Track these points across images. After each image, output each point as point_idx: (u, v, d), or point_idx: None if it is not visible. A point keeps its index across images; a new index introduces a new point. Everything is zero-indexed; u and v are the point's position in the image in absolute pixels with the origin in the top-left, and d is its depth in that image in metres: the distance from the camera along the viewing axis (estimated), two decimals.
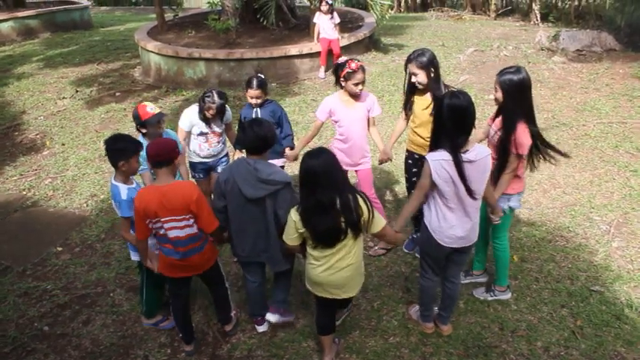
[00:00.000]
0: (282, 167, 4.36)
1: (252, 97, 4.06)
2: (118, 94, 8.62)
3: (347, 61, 3.76)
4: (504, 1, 15.40)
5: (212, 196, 4.51)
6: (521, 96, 3.20)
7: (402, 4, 17.42)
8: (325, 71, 8.51)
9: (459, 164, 2.84)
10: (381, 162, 4.18)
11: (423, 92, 3.75)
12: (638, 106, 6.91)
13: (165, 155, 3.00)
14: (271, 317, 3.47)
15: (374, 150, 4.87)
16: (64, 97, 8.55)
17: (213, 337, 3.65)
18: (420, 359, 3.36)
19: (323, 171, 2.72)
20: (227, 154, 4.42)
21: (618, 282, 3.92)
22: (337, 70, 3.81)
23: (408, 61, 3.65)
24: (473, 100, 2.94)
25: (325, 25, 8.29)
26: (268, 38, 9.44)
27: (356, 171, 4.14)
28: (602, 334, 3.47)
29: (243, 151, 3.33)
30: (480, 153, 2.90)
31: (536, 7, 13.25)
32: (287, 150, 4.17)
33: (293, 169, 5.84)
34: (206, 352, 3.53)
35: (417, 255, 4.11)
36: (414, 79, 3.67)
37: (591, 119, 6.65)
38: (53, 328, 3.83)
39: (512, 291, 3.84)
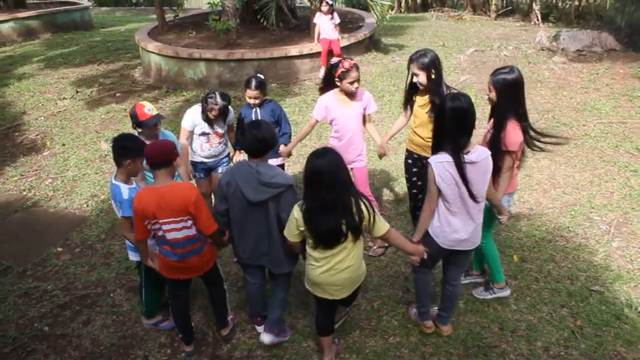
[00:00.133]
0: (282, 166, 4.38)
1: (250, 98, 4.08)
2: (118, 94, 8.63)
3: (340, 60, 3.82)
4: (505, 2, 15.39)
5: (213, 198, 4.57)
6: (515, 95, 3.25)
7: (403, 4, 17.42)
8: None
9: (460, 165, 2.85)
10: (380, 156, 4.22)
11: (424, 92, 3.76)
12: (638, 106, 6.91)
13: (164, 156, 2.99)
14: (265, 338, 3.43)
15: (373, 150, 4.87)
16: (64, 98, 8.56)
17: (213, 338, 3.65)
18: (420, 359, 3.36)
19: (329, 171, 2.71)
20: (228, 155, 4.43)
21: (618, 282, 3.92)
22: (331, 70, 3.88)
23: (410, 61, 3.68)
24: (473, 100, 2.96)
25: (325, 26, 8.29)
26: (268, 39, 9.45)
27: (351, 169, 4.16)
28: (602, 334, 3.47)
29: (242, 151, 3.33)
30: (480, 154, 2.92)
31: (536, 7, 13.25)
32: (282, 147, 4.19)
33: (294, 169, 5.85)
34: (206, 353, 3.53)
35: None
36: (415, 80, 3.69)
37: (591, 119, 6.65)
38: (53, 328, 3.83)
39: (512, 291, 3.85)
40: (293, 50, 8.64)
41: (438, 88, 3.64)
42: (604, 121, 6.59)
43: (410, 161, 4.09)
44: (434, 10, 15.67)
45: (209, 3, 10.87)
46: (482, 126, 3.87)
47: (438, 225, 3.07)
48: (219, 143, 4.24)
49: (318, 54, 8.62)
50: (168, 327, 3.71)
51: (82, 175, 6.08)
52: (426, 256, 3.12)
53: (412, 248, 3.09)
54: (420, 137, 3.86)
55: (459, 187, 2.91)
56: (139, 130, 3.66)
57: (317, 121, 4.14)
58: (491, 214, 3.42)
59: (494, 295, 3.79)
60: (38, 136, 7.23)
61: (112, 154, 3.27)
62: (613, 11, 10.93)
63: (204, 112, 4.01)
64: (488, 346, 3.41)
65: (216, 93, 3.95)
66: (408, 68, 3.72)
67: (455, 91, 3.46)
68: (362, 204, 2.79)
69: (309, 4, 10.11)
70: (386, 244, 4.28)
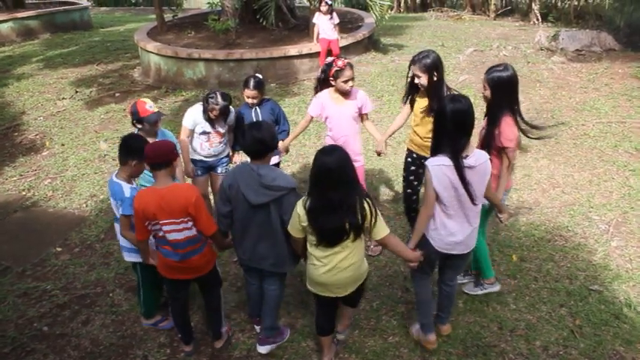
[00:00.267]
0: (278, 164, 4.38)
1: (249, 97, 4.10)
2: (117, 94, 8.62)
3: (334, 60, 3.85)
4: (504, 1, 15.39)
5: (211, 198, 4.57)
6: (509, 92, 3.28)
7: (402, 4, 17.43)
8: None
9: (460, 169, 2.84)
10: (378, 154, 4.23)
11: (424, 94, 3.77)
12: (637, 105, 6.92)
13: (164, 157, 2.98)
14: (262, 349, 3.42)
15: (373, 149, 4.86)
16: (63, 98, 8.55)
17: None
18: (419, 359, 3.37)
19: (337, 167, 2.71)
20: (228, 155, 4.43)
21: (617, 281, 3.93)
22: (326, 71, 3.90)
23: (412, 62, 3.67)
24: (472, 100, 2.96)
25: (325, 26, 8.29)
26: (268, 39, 9.45)
27: None
28: (601, 333, 3.47)
29: (241, 152, 3.32)
30: (479, 158, 2.91)
31: (535, 7, 13.26)
32: (279, 143, 4.20)
33: (294, 169, 5.85)
34: (205, 352, 3.53)
35: None
36: (417, 81, 3.69)
37: (590, 119, 6.66)
38: (52, 328, 3.83)
39: (511, 290, 3.85)
40: (292, 50, 8.65)
41: (439, 92, 3.62)
42: (603, 120, 6.60)
43: (409, 160, 4.10)
44: (433, 10, 15.68)
45: (208, 3, 10.89)
46: (481, 125, 3.87)
47: (434, 228, 3.06)
48: (220, 143, 4.24)
49: (317, 54, 8.62)
50: (167, 327, 3.71)
51: (82, 175, 6.08)
52: (423, 259, 3.10)
53: (410, 255, 3.06)
54: (419, 136, 3.87)
55: (457, 191, 2.90)
56: (139, 126, 3.66)
57: (312, 117, 4.18)
58: (484, 211, 3.42)
59: (485, 290, 3.80)
60: (37, 136, 7.22)
61: (117, 152, 3.26)
62: (612, 11, 10.95)
63: (205, 111, 4.01)
64: (487, 346, 3.41)
65: (217, 93, 3.96)
66: (409, 69, 3.72)
67: (455, 92, 3.46)
68: (366, 203, 2.78)
69: (308, 4, 10.11)
70: None
